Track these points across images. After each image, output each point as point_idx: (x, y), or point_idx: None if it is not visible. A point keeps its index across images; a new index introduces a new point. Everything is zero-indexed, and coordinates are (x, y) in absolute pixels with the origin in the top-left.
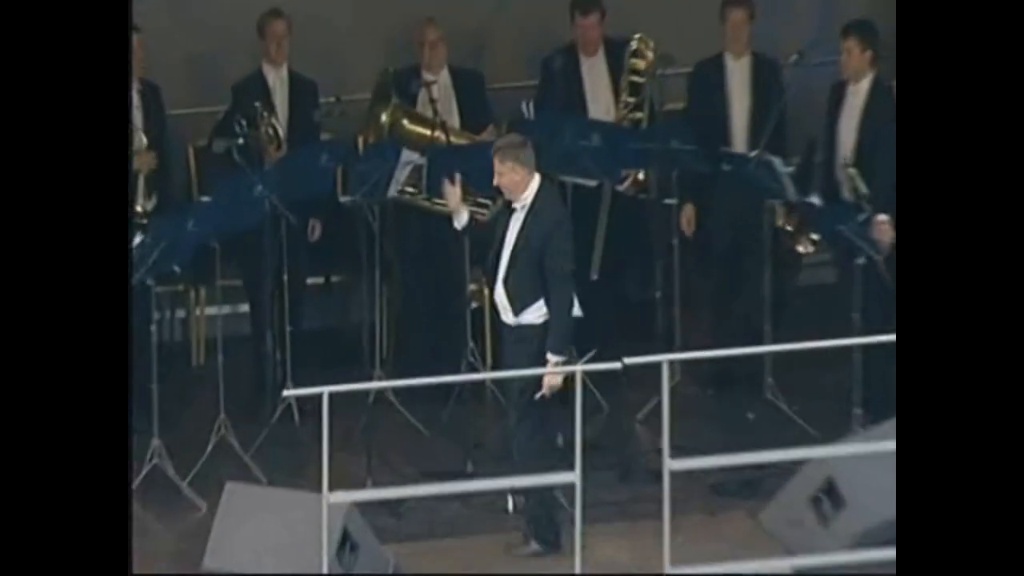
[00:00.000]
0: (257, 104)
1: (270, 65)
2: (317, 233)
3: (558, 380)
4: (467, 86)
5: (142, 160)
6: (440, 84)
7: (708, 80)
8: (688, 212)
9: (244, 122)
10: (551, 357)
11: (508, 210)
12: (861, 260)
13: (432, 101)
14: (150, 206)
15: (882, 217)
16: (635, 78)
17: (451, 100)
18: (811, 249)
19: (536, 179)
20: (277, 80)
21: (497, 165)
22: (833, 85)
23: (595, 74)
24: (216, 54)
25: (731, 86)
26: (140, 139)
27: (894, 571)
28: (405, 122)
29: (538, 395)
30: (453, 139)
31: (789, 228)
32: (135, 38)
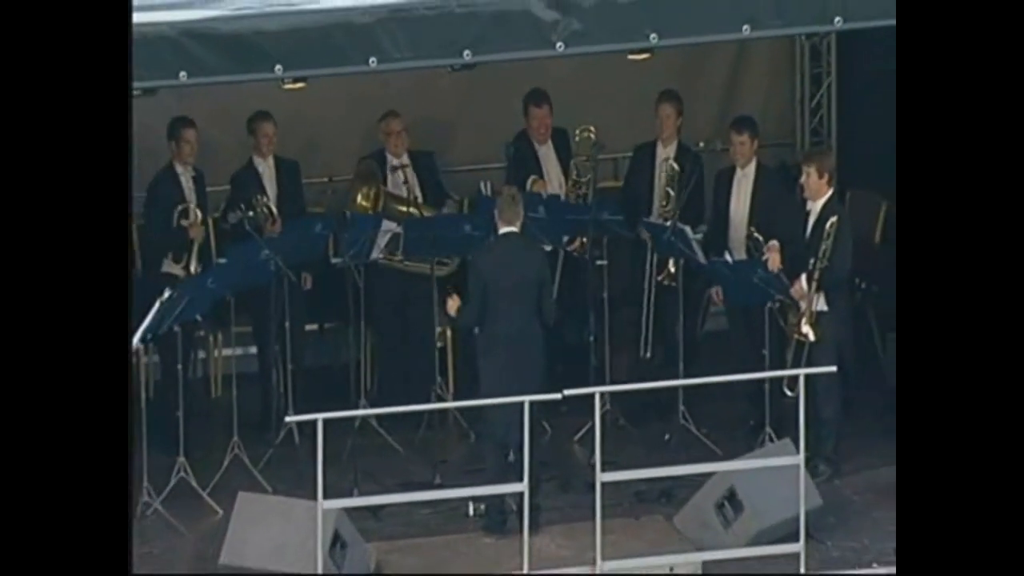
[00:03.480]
0: (257, 196)
1: (259, 157)
2: (308, 284)
3: None
4: (423, 165)
5: (196, 231)
6: (408, 166)
7: (641, 162)
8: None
9: (244, 207)
10: None
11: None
12: (769, 304)
13: (407, 183)
14: (200, 268)
15: (773, 243)
16: (582, 160)
17: (413, 178)
18: (670, 277)
19: None
20: (266, 168)
21: None
22: (721, 171)
23: (548, 158)
24: (209, 139)
25: (658, 167)
26: (196, 214)
27: (787, 566)
28: (392, 204)
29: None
30: (425, 212)
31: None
32: (191, 132)
